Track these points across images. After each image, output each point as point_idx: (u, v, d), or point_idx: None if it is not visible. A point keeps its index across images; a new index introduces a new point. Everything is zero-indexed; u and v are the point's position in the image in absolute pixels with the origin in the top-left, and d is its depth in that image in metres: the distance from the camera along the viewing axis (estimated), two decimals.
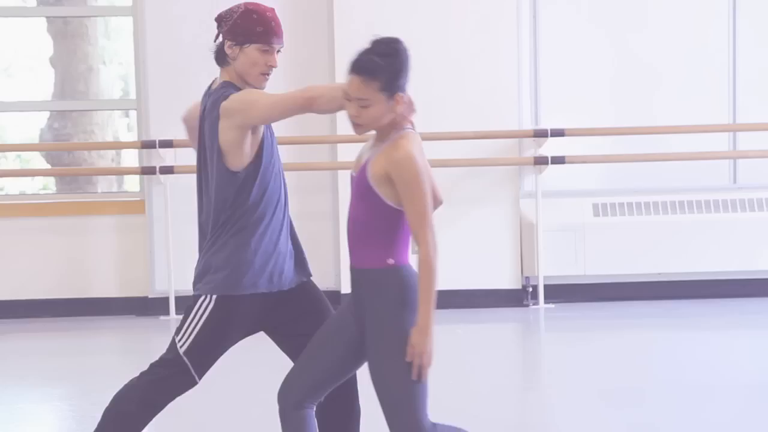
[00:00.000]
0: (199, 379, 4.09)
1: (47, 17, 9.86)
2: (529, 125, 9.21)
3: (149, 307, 9.16)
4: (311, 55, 9.02)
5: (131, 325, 8.93)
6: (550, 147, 8.99)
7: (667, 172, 9.26)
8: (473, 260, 9.03)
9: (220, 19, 4.11)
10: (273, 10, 4.17)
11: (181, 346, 4.04)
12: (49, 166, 10.10)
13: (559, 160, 8.94)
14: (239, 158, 3.98)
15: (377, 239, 3.79)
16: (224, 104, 3.95)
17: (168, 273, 8.97)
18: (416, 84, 9.18)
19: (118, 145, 9.89)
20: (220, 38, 4.11)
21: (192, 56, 8.59)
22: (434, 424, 3.87)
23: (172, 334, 4.12)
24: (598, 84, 9.30)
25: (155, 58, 8.88)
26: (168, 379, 4.07)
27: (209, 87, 4.16)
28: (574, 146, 9.06)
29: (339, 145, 8.95)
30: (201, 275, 4.08)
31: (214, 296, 4.03)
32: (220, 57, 4.11)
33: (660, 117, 9.21)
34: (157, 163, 8.83)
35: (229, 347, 4.13)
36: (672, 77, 9.30)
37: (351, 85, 3.77)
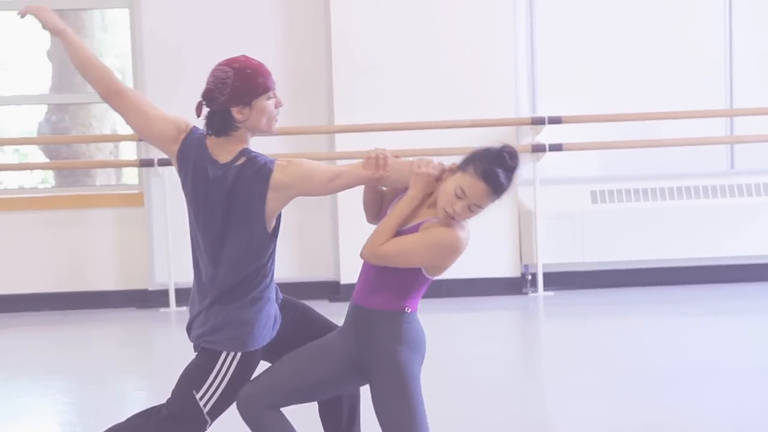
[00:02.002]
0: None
1: None
2: (526, 113, 9.21)
3: (149, 299, 9.17)
4: (306, 47, 9.00)
5: (131, 318, 8.94)
6: (548, 134, 8.99)
7: (665, 158, 9.26)
8: (472, 249, 8.93)
9: (212, 94, 4.01)
10: (246, 56, 4.12)
11: (204, 405, 3.99)
12: (47, 160, 10.10)
13: (556, 148, 8.94)
14: (273, 222, 4.03)
15: (397, 286, 3.90)
16: (276, 177, 3.93)
17: (168, 265, 8.98)
18: (412, 71, 9.25)
19: (116, 138, 9.89)
20: (216, 110, 4.02)
21: (189, 48, 8.57)
22: None
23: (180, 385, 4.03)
24: (595, 70, 9.30)
25: (152, 50, 8.87)
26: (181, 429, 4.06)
27: (209, 155, 4.05)
28: (572, 133, 9.07)
29: (336, 135, 8.95)
30: (218, 329, 4.01)
31: (239, 354, 4.01)
32: (226, 126, 4.02)
33: (657, 103, 9.21)
34: (156, 156, 8.84)
35: None
36: (668, 63, 9.29)
37: (475, 191, 3.86)
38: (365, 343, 3.89)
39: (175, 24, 8.88)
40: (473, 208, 3.89)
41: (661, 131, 9.20)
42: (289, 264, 8.85)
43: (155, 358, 7.44)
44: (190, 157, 4.08)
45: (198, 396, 3.98)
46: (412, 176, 3.93)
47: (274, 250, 4.05)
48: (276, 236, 4.04)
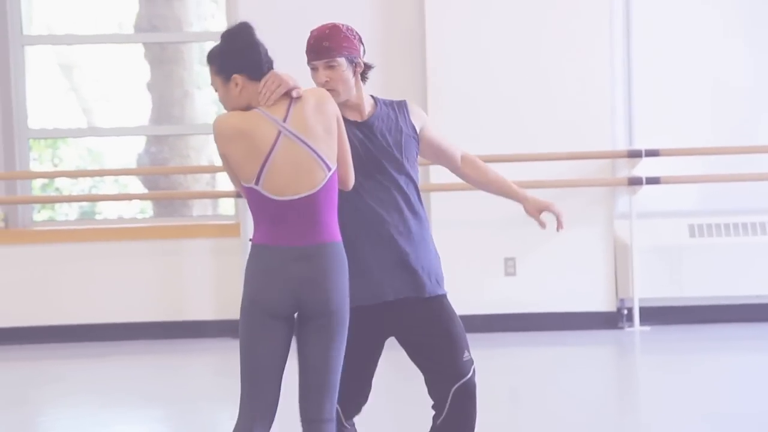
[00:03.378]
0: None
1: (144, 43, 10.03)
2: (622, 145, 9.13)
3: None
4: (403, 75, 9.02)
5: (227, 347, 8.98)
6: (645, 167, 8.89)
7: (765, 191, 9.10)
8: (567, 282, 8.96)
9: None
10: (324, 26, 4.21)
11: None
12: (146, 190, 10.25)
13: (653, 181, 8.84)
14: None
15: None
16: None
17: None
18: (509, 103, 9.23)
19: (213, 169, 10.00)
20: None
21: None
22: None
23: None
24: (693, 103, 9.19)
25: None
26: None
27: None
28: (669, 166, 8.96)
29: (431, 166, 8.94)
30: (438, 273, 4.26)
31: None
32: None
33: (758, 135, 9.07)
34: None
35: None
36: None
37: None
38: None
39: (272, 57, 8.96)
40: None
41: (761, 164, 9.05)
42: None
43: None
44: None
45: (467, 352, 4.23)
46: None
47: None
48: None
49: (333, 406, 3.94)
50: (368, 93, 4.32)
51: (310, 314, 3.91)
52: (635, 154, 8.88)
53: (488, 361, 7.85)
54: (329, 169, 3.91)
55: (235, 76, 3.98)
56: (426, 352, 4.20)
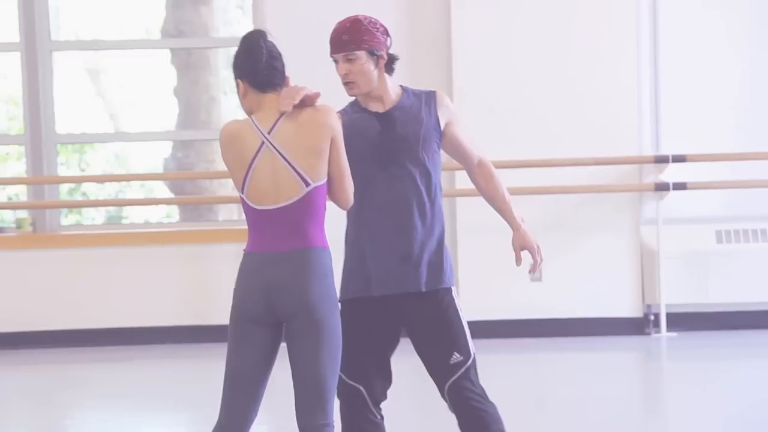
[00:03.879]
0: None
1: (171, 49, 10.07)
2: (649, 151, 9.10)
3: None
4: (428, 78, 9.01)
5: None
6: (671, 173, 8.86)
7: None
8: (593, 288, 8.93)
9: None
10: (346, 20, 4.25)
11: (472, 347, 4.23)
12: (172, 195, 10.29)
13: (680, 186, 8.81)
14: None
15: None
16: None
17: None
18: (535, 108, 9.20)
19: None
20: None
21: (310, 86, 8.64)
22: None
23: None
24: (721, 108, 9.14)
25: None
26: None
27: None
28: (696, 172, 8.92)
29: (456, 171, 8.94)
30: (441, 267, 4.24)
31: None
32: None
33: None
34: None
35: None
36: None
37: None
38: None
39: (298, 62, 8.97)
40: None
41: None
42: None
43: (276, 391, 7.50)
44: None
45: (470, 345, 4.24)
46: None
47: None
48: None
49: (326, 411, 3.91)
50: (397, 83, 4.31)
51: (286, 318, 3.92)
52: (662, 160, 8.85)
53: (514, 367, 7.85)
54: (307, 184, 3.89)
55: (238, 80, 4.06)
56: (420, 348, 4.24)
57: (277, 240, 3.92)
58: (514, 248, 4.38)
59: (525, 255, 4.39)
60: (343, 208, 4.01)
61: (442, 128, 4.31)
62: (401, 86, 4.32)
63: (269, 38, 4.06)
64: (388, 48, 4.24)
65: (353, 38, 4.17)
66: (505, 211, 4.40)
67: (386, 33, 4.25)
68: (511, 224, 4.39)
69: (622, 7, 8.93)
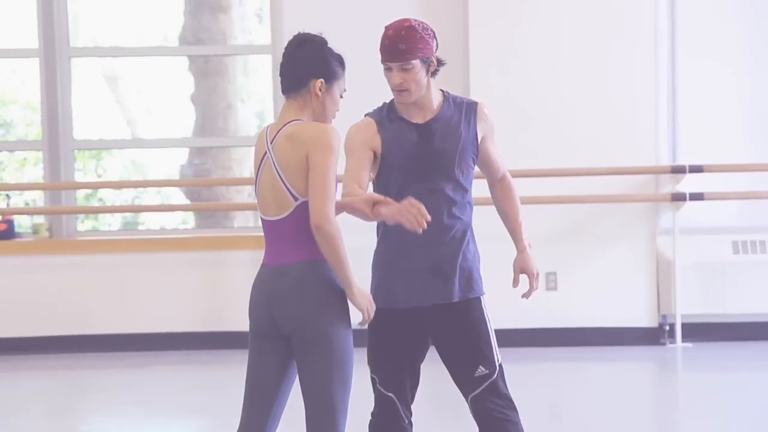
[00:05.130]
0: None
1: (189, 56, 10.10)
2: (666, 161, 9.08)
3: None
4: (445, 86, 9.02)
5: None
6: (688, 183, 8.84)
7: None
8: (609, 297, 8.92)
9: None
10: (400, 26, 4.15)
11: (498, 358, 4.22)
12: (188, 202, 10.31)
13: (697, 197, 8.79)
14: None
15: None
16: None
17: None
18: (552, 117, 9.19)
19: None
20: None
21: None
22: None
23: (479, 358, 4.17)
24: (739, 118, 9.13)
25: None
26: None
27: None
28: (713, 182, 8.90)
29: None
30: (470, 277, 4.23)
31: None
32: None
33: None
34: None
35: None
36: None
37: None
38: None
39: None
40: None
41: None
42: None
43: (292, 401, 7.51)
44: None
45: (496, 355, 4.25)
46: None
47: None
48: None
49: (336, 428, 3.85)
50: (439, 89, 4.30)
51: (288, 332, 3.89)
52: (679, 170, 8.83)
53: (528, 376, 7.84)
54: (296, 199, 3.86)
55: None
56: (446, 358, 4.25)
57: (279, 252, 3.90)
58: (514, 269, 4.34)
59: (523, 279, 4.36)
60: (313, 221, 3.76)
61: (479, 143, 4.28)
62: (442, 92, 4.29)
63: (311, 39, 4.02)
64: (435, 51, 4.22)
65: (410, 47, 4.11)
66: (514, 231, 4.37)
67: (434, 36, 4.21)
68: (518, 245, 4.35)
69: (639, 17, 8.92)
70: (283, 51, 4.03)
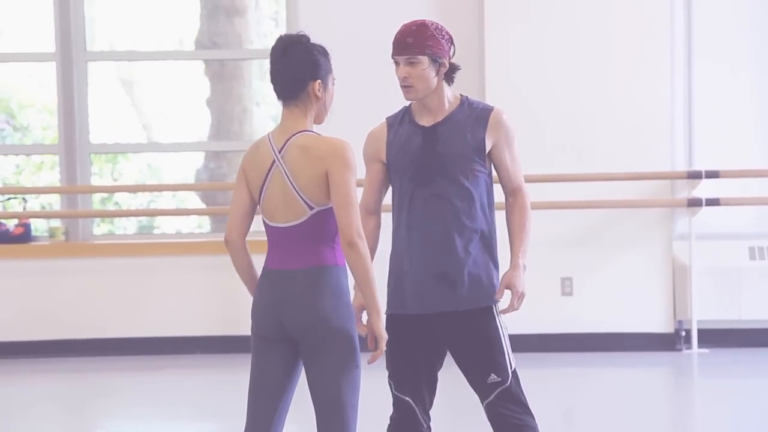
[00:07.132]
0: None
1: (205, 60, 10.12)
2: (682, 166, 9.06)
3: None
4: (461, 90, 9.01)
5: None
6: (704, 188, 8.82)
7: None
8: (624, 303, 8.89)
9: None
10: (413, 23, 4.16)
11: (512, 365, 4.19)
12: (204, 206, 10.32)
13: (713, 202, 8.76)
14: None
15: None
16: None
17: None
18: (568, 122, 9.17)
19: None
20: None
21: (342, 98, 8.65)
22: None
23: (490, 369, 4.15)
24: (755, 124, 9.10)
25: None
26: None
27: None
28: (729, 187, 8.87)
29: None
30: (480, 285, 4.18)
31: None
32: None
33: None
34: None
35: None
36: None
37: None
38: None
39: None
40: None
41: None
42: None
43: (306, 404, 7.51)
44: None
45: (509, 363, 4.21)
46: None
47: None
48: None
49: (346, 430, 3.84)
50: (459, 93, 4.28)
51: (297, 336, 3.89)
52: (695, 175, 8.81)
53: (543, 381, 7.82)
54: (311, 208, 3.85)
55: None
56: (460, 364, 4.23)
57: (289, 258, 3.90)
58: (501, 283, 4.21)
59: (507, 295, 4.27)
60: (344, 239, 3.78)
61: (487, 149, 4.22)
62: (461, 96, 4.27)
63: (296, 42, 3.93)
64: (450, 57, 4.19)
65: (417, 42, 4.10)
66: (515, 246, 4.24)
67: (451, 41, 4.19)
68: (512, 261, 4.21)
69: (655, 22, 8.90)
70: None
